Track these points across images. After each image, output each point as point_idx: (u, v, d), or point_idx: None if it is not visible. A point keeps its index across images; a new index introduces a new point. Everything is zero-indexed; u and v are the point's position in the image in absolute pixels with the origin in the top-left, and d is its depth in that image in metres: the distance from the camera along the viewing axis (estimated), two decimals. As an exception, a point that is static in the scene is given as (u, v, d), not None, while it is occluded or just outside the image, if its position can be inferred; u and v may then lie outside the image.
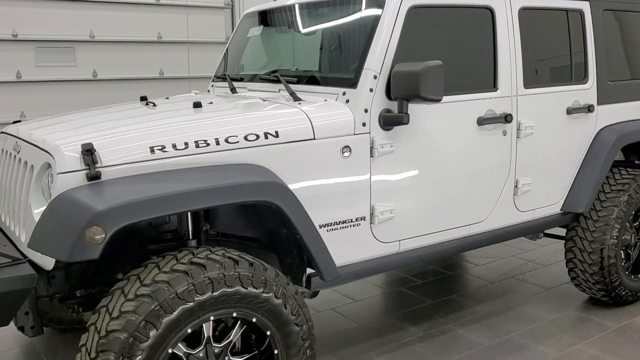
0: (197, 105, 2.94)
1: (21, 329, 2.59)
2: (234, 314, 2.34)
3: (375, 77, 2.89)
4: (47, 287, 2.50)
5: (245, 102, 3.04)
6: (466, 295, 4.42)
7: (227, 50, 4.12)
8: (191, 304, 2.20)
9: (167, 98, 3.54)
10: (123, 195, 2.15)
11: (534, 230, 3.78)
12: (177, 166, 2.44)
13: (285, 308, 2.44)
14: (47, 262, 2.35)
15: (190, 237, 2.76)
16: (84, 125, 2.82)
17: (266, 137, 2.64)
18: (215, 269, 2.27)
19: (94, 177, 2.28)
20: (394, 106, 2.93)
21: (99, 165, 2.31)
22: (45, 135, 2.55)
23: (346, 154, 2.83)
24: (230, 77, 3.73)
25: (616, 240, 3.94)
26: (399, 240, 3.10)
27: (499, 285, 4.61)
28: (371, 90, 2.89)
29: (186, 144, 2.48)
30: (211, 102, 3.11)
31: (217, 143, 2.54)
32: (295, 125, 2.72)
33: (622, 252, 4.05)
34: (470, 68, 3.31)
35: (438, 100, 2.77)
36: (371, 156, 2.92)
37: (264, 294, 2.38)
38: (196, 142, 2.50)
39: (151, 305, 2.14)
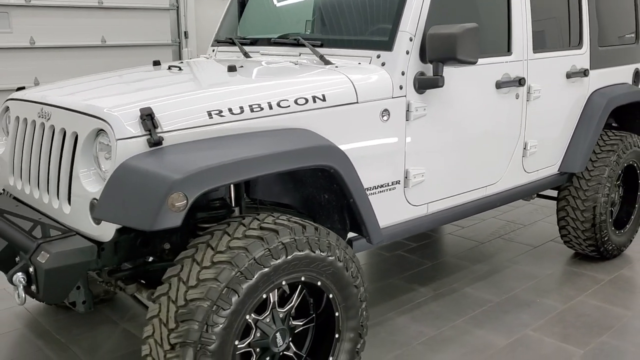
0: (231, 69, 2.85)
1: (73, 304, 2.47)
2: (302, 278, 2.33)
3: (410, 39, 2.90)
4: (97, 260, 2.39)
5: (279, 66, 2.98)
6: (462, 256, 4.56)
7: (227, 11, 3.99)
8: (268, 269, 2.17)
9: (182, 62, 3.40)
10: (201, 161, 2.07)
11: (536, 190, 3.94)
12: (232, 131, 2.38)
13: (347, 271, 2.45)
14: (105, 233, 2.24)
15: (233, 205, 2.71)
16: (127, 90, 2.67)
17: (314, 101, 2.60)
18: (286, 233, 2.24)
19: (156, 142, 2.18)
20: (427, 69, 2.96)
21: (159, 130, 2.21)
22: (90, 100, 2.41)
23: (385, 118, 2.84)
24: (239, 41, 3.62)
25: (607, 198, 4.17)
26: (428, 203, 3.16)
27: (489, 245, 4.79)
28: (407, 52, 2.89)
29: (241, 108, 2.42)
30: (242, 66, 3.02)
31: (270, 107, 2.48)
32: (339, 89, 2.69)
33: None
34: (488, 32, 3.37)
35: (474, 63, 2.81)
36: (406, 120, 2.94)
37: (329, 258, 2.37)
38: (250, 106, 2.44)
39: (232, 271, 2.09)
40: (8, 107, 2.95)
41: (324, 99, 2.63)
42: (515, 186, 3.72)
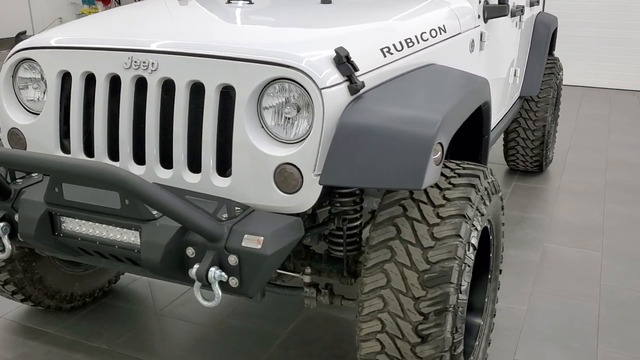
0: (325, 1, 2.47)
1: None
2: (487, 221, 2.21)
3: (481, -34, 2.81)
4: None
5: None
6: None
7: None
8: (484, 216, 2.02)
9: None
10: (436, 108, 1.80)
11: (511, 119, 4.19)
12: (395, 72, 2.10)
13: (502, 209, 2.39)
14: (302, 203, 1.86)
15: None
16: (268, 30, 2.15)
17: (440, 33, 2.42)
18: (483, 177, 2.09)
19: (359, 88, 1.84)
20: (488, -1, 2.91)
21: (358, 73, 1.86)
22: (259, 44, 1.90)
23: (471, 49, 2.76)
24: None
25: (552, 116, 4.61)
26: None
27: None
28: (480, -21, 2.81)
29: (401, 44, 2.14)
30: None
31: (418, 41, 2.24)
32: (449, 20, 2.53)
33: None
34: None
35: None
36: (480, 50, 2.89)
37: (501, 201, 2.30)
38: (406, 41, 2.17)
39: (467, 224, 1.90)
40: (27, 60, 2.20)
41: (445, 30, 2.45)
42: (506, 112, 3.91)
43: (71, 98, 2.11)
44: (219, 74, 1.88)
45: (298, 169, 1.83)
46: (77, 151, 2.14)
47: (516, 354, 2.64)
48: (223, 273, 1.75)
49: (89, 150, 2.14)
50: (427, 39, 2.30)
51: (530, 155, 4.68)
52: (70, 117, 2.12)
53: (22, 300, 2.77)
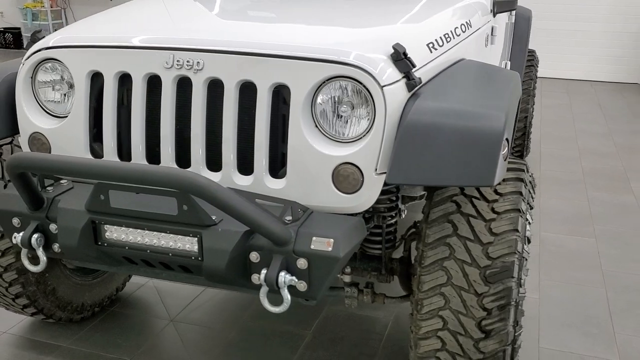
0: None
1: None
2: None
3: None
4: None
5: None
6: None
7: None
8: (532, 209, 2.04)
9: None
10: (499, 104, 1.80)
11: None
12: (440, 66, 2.09)
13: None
14: (361, 203, 1.83)
15: None
16: (308, 27, 2.09)
17: (468, 27, 2.43)
18: (526, 172, 2.11)
19: (416, 85, 1.82)
20: (494, -7, 2.95)
21: (414, 70, 1.84)
22: (312, 42, 1.85)
23: (485, 43, 2.78)
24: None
25: (533, 108, 4.73)
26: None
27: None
28: (492, -26, 2.84)
29: (441, 39, 2.13)
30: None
31: (453, 37, 2.24)
32: (472, 16, 2.55)
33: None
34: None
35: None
36: (491, 43, 2.92)
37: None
38: (445, 36, 2.17)
39: (522, 218, 1.92)
40: (49, 60, 2.07)
41: (470, 26, 2.46)
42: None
43: (104, 100, 2.01)
44: (272, 73, 1.82)
45: (358, 168, 1.80)
46: (110, 155, 2.03)
47: (540, 342, 2.70)
48: (294, 277, 1.70)
49: (121, 153, 2.04)
50: (460, 34, 2.31)
51: (512, 145, 4.78)
52: (103, 120, 2.01)
53: (32, 314, 2.62)
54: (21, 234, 1.94)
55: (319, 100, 1.82)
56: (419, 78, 1.84)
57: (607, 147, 5.52)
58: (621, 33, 8.17)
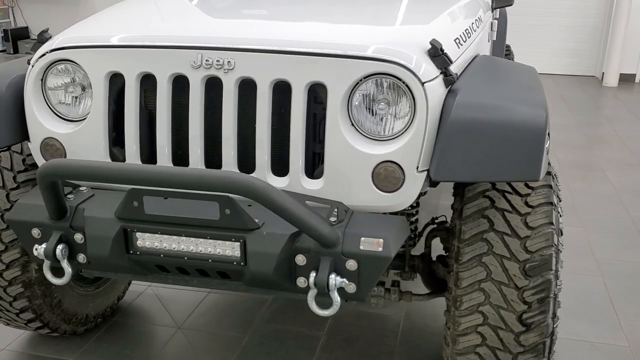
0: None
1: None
2: None
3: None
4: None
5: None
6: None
7: None
8: (561, 202, 2.07)
9: None
10: (537, 98, 1.80)
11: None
12: (465, 61, 2.10)
13: None
14: (402, 201, 1.81)
15: None
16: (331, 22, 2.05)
17: (479, 24, 2.44)
18: (551, 166, 2.14)
19: (454, 81, 1.81)
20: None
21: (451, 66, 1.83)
22: (349, 40, 1.80)
23: (488, 38, 2.81)
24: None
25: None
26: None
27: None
28: (490, -31, 2.87)
29: (464, 35, 2.13)
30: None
31: (471, 32, 2.25)
32: (480, 12, 2.56)
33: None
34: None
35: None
36: (492, 39, 2.95)
37: None
38: (466, 31, 2.17)
39: (555, 212, 1.94)
40: (62, 61, 1.96)
41: (481, 21, 2.47)
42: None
43: (125, 102, 1.92)
44: (308, 72, 1.78)
45: (400, 166, 1.78)
46: (133, 159, 1.94)
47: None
48: (345, 279, 1.67)
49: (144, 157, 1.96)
50: (475, 30, 2.32)
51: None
52: (125, 123, 1.93)
53: (37, 329, 2.50)
54: (44, 245, 1.84)
55: (355, 98, 1.79)
56: (456, 74, 1.83)
57: (578, 139, 5.67)
58: (581, 27, 8.43)
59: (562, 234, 1.98)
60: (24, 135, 2.05)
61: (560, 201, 2.05)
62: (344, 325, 2.79)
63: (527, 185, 1.96)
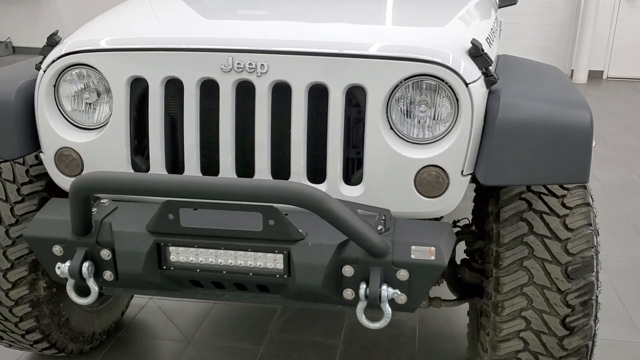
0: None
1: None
2: None
3: (497, -44, 2.85)
4: None
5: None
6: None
7: None
8: (593, 202, 2.05)
9: None
10: (578, 99, 1.77)
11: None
12: (495, 61, 2.06)
13: None
14: (445, 206, 1.75)
15: None
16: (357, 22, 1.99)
17: (497, 23, 2.41)
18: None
19: (495, 82, 1.77)
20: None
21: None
22: (389, 41, 1.73)
23: (499, 36, 2.79)
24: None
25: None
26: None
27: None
28: (496, -31, 2.84)
29: (491, 34, 2.10)
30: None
31: (495, 31, 2.22)
32: (494, 11, 2.53)
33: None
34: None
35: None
36: (499, 38, 2.92)
37: None
38: (492, 31, 2.14)
39: (592, 213, 1.91)
40: (76, 66, 1.85)
41: (497, 20, 2.44)
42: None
43: (149, 108, 1.81)
44: (347, 74, 1.71)
45: (444, 171, 1.72)
46: (158, 168, 1.84)
47: (567, 331, 2.74)
48: (397, 290, 1.61)
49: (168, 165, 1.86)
50: (496, 29, 2.29)
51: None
52: (150, 130, 1.82)
53: (43, 349, 2.35)
54: (68, 263, 1.72)
55: (395, 100, 1.73)
56: (497, 74, 1.79)
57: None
58: (549, 26, 8.58)
59: (598, 235, 1.96)
60: (36, 146, 1.92)
61: (593, 201, 2.03)
62: (359, 332, 2.72)
63: (562, 187, 1.94)
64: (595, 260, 1.84)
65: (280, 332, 2.72)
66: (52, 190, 2.12)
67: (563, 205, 1.90)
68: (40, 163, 2.07)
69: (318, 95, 1.75)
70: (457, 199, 1.75)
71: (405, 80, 1.70)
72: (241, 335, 2.70)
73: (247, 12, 2.11)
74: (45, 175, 2.10)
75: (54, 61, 1.85)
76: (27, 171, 2.13)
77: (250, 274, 1.67)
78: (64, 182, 1.92)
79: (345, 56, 1.70)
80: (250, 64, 1.73)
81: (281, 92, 1.76)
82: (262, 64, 1.73)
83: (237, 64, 1.74)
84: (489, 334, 1.94)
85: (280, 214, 1.59)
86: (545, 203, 1.90)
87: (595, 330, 1.90)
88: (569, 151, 1.65)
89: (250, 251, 1.64)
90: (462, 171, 1.72)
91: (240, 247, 1.64)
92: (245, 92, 1.78)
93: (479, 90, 1.72)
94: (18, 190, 2.11)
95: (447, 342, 2.66)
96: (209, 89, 1.79)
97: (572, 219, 1.87)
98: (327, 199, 1.44)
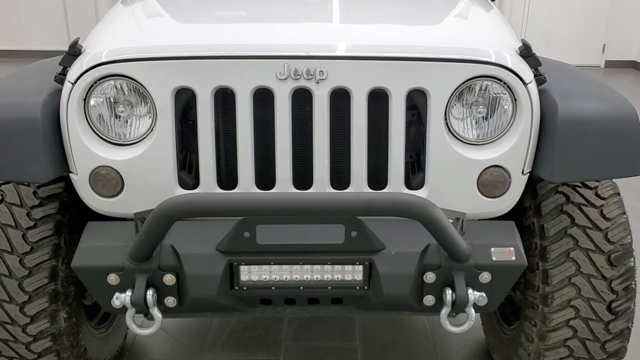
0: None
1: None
2: None
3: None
4: None
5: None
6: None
7: None
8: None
9: None
10: (615, 94, 1.85)
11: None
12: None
13: None
14: (506, 206, 1.79)
15: None
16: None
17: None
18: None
19: (545, 81, 1.81)
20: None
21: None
22: (449, 43, 1.72)
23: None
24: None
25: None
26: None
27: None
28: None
29: (512, 32, 2.15)
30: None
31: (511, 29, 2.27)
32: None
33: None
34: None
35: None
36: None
37: None
38: (510, 29, 2.18)
39: (621, 200, 2.00)
40: (111, 77, 1.70)
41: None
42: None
43: (199, 120, 1.71)
44: (408, 78, 1.69)
45: (506, 171, 1.75)
46: (210, 185, 1.74)
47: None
48: (483, 293, 1.62)
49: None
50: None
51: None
52: (200, 144, 1.72)
53: (59, 384, 2.16)
54: (129, 292, 1.59)
55: (453, 102, 1.74)
56: (544, 73, 1.83)
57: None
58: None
59: (627, 221, 2.07)
60: (65, 166, 1.76)
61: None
62: (374, 332, 2.72)
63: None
64: (632, 247, 1.95)
65: (295, 340, 2.66)
66: (66, 212, 1.95)
67: (597, 196, 1.98)
68: (50, 183, 1.90)
69: (373, 99, 1.73)
70: (516, 198, 1.79)
71: (466, 82, 1.71)
72: (255, 347, 2.62)
73: (275, 14, 2.03)
74: (57, 197, 1.93)
75: (84, 72, 1.69)
76: (34, 192, 1.94)
77: (329, 287, 1.62)
78: (100, 203, 1.77)
79: (408, 59, 1.69)
80: (308, 70, 1.67)
81: (338, 99, 1.72)
82: (320, 71, 1.67)
83: (294, 71, 1.67)
84: (536, 324, 2.00)
85: (363, 224, 1.55)
86: (582, 195, 1.98)
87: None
88: (623, 145, 1.73)
89: (330, 264, 1.60)
90: (523, 170, 1.76)
91: (320, 261, 1.59)
92: (300, 99, 1.72)
93: (535, 89, 1.75)
94: (28, 214, 1.92)
95: (460, 336, 2.71)
96: (261, 97, 1.71)
97: (608, 209, 1.96)
98: (436, 209, 1.42)
